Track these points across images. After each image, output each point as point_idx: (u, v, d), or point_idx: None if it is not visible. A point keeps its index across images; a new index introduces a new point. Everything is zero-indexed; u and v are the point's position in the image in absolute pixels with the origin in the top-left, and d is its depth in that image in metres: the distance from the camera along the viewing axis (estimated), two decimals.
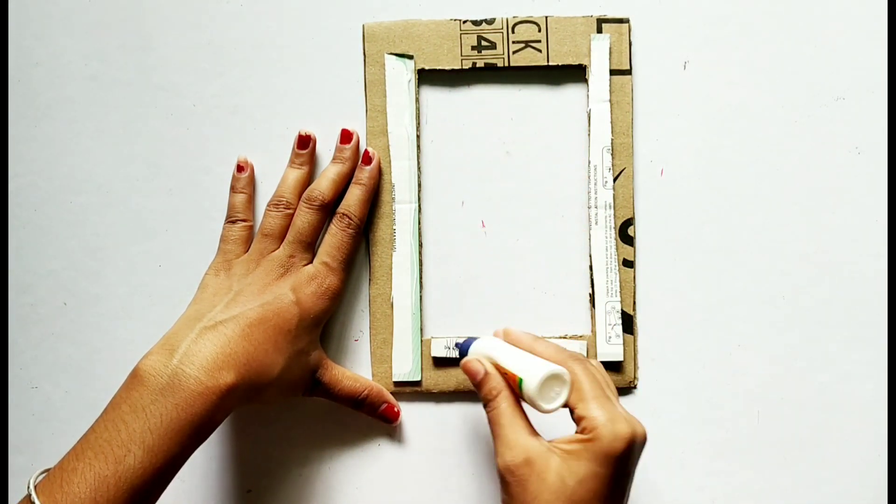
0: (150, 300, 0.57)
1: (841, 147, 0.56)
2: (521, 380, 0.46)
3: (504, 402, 0.47)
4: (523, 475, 0.44)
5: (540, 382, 0.45)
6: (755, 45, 0.56)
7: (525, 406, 0.48)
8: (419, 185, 0.56)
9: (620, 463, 0.44)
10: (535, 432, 0.46)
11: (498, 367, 0.48)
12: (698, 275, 0.56)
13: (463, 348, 0.52)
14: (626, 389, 0.56)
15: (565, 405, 0.46)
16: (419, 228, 0.56)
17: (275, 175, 0.56)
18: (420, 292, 0.56)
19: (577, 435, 0.45)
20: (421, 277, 0.56)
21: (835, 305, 0.56)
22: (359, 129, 0.56)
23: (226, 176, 0.56)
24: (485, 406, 0.48)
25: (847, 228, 0.56)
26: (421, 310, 0.56)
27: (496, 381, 0.48)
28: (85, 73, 0.57)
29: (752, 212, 0.56)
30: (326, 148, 0.56)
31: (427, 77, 0.56)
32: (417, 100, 0.56)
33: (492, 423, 0.47)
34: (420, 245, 0.56)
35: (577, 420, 0.45)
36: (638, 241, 0.56)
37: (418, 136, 0.56)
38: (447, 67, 0.55)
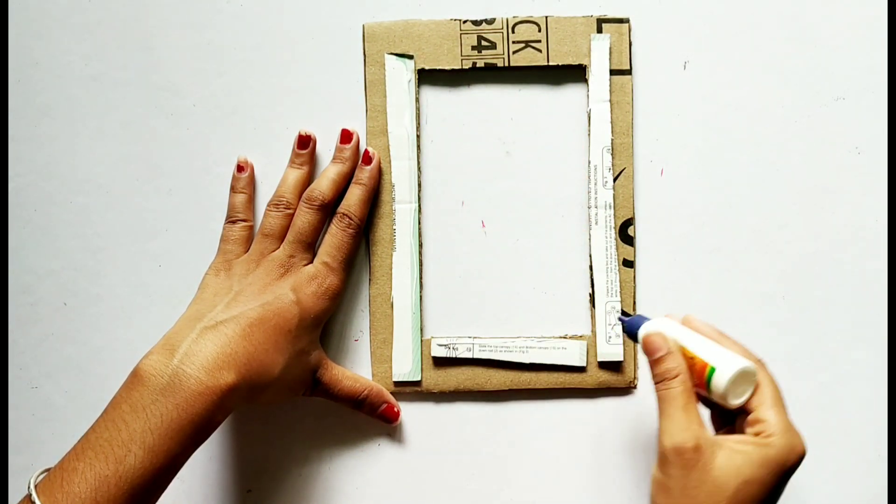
0: (150, 300, 0.57)
1: (841, 147, 0.56)
2: (712, 369, 0.46)
3: (681, 386, 0.46)
4: (690, 459, 0.44)
5: (734, 375, 0.45)
6: (755, 45, 0.56)
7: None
8: (419, 185, 0.56)
9: (786, 475, 0.44)
10: (703, 423, 0.46)
11: (684, 353, 0.47)
12: (698, 275, 0.56)
13: (632, 324, 0.50)
14: (626, 389, 0.56)
15: (746, 407, 0.46)
16: (419, 228, 0.56)
17: (275, 175, 0.56)
18: (420, 292, 0.56)
19: (751, 437, 0.45)
20: (421, 277, 0.56)
21: (835, 305, 0.56)
22: (359, 129, 0.56)
23: (226, 176, 0.56)
24: (657, 383, 0.47)
25: (847, 228, 0.56)
26: (421, 310, 0.56)
27: (678, 362, 0.47)
28: (85, 73, 0.57)
29: (752, 212, 0.56)
30: (326, 148, 0.56)
31: (427, 77, 0.56)
32: (417, 100, 0.56)
33: (665, 401, 0.46)
34: (420, 245, 0.56)
35: (750, 422, 0.45)
36: (638, 241, 0.56)
37: (418, 136, 0.56)
38: (447, 67, 0.55)
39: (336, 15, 0.56)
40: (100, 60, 0.57)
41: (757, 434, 0.45)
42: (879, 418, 0.56)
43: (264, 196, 0.56)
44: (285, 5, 0.56)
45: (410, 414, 0.56)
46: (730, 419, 0.47)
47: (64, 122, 0.57)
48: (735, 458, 0.44)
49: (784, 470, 0.44)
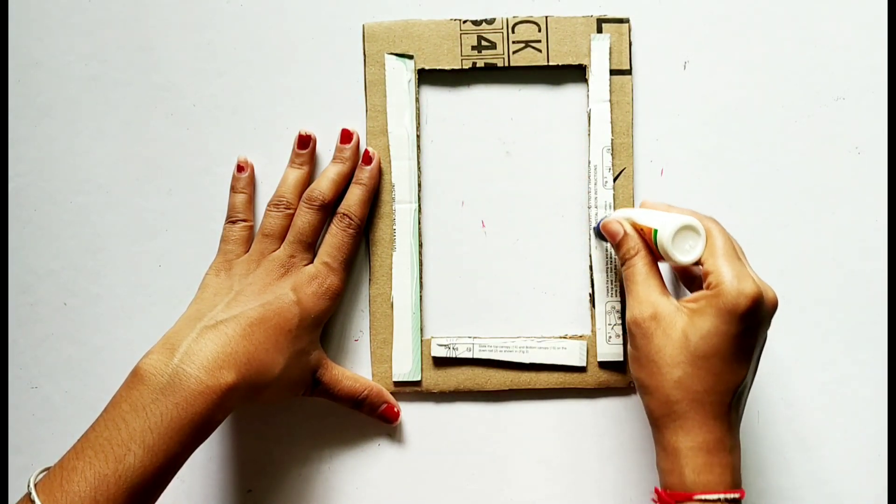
0: (150, 300, 0.57)
1: (841, 147, 0.56)
2: (655, 231, 0.47)
3: (640, 262, 0.48)
4: (649, 328, 0.46)
5: (674, 231, 0.46)
6: (755, 45, 0.56)
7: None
8: (419, 185, 0.56)
9: (744, 321, 0.45)
10: (666, 292, 0.47)
11: (635, 226, 0.50)
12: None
13: (598, 223, 0.53)
14: (626, 389, 0.56)
15: (699, 263, 0.47)
16: (419, 228, 0.56)
17: (275, 175, 0.56)
18: (420, 292, 0.56)
19: (703, 291, 0.46)
20: (421, 277, 0.56)
21: (835, 305, 0.56)
22: (359, 129, 0.56)
23: (226, 176, 0.56)
24: (622, 266, 0.50)
25: (847, 228, 0.56)
26: (421, 310, 0.56)
27: (635, 242, 0.49)
28: (85, 73, 0.57)
29: (751, 212, 0.56)
30: (326, 148, 0.56)
31: (427, 77, 0.56)
32: (417, 100, 0.56)
33: (627, 280, 0.49)
34: (420, 245, 0.56)
35: (704, 276, 0.46)
36: None
37: (418, 136, 0.56)
38: (447, 67, 0.55)
39: (336, 15, 0.56)
40: (100, 60, 0.57)
41: (708, 286, 0.46)
42: (879, 418, 0.56)
43: (264, 196, 0.56)
44: (285, 5, 0.56)
45: (410, 414, 0.56)
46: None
47: (64, 122, 0.57)
48: (692, 316, 0.45)
49: (739, 316, 0.44)
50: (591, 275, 0.56)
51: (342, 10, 0.56)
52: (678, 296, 0.49)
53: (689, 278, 0.54)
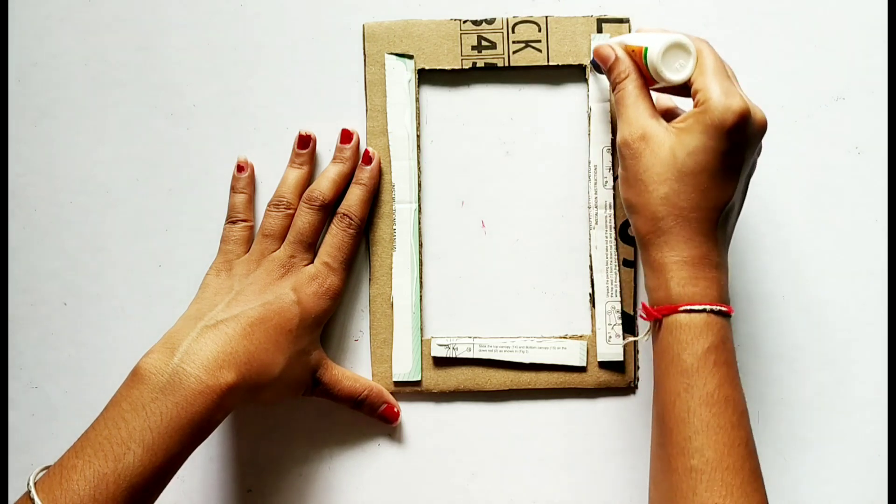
0: (150, 300, 0.57)
1: (841, 147, 0.56)
2: (645, 49, 0.47)
3: (631, 84, 0.48)
4: (638, 149, 0.46)
5: (664, 48, 0.46)
6: (755, 45, 0.56)
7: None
8: (419, 185, 0.56)
9: (731, 137, 0.45)
10: (656, 115, 0.47)
11: (627, 49, 0.49)
12: None
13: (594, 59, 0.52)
14: (626, 389, 0.56)
15: (689, 83, 0.47)
16: (419, 228, 0.56)
17: (275, 175, 0.56)
18: (420, 292, 0.56)
19: (691, 110, 0.46)
20: (421, 277, 0.56)
21: (835, 305, 0.56)
22: (359, 129, 0.56)
23: (226, 176, 0.56)
24: (612, 90, 0.49)
25: (847, 228, 0.56)
26: (421, 310, 0.56)
27: (626, 66, 0.49)
28: (85, 73, 0.57)
29: (751, 212, 0.56)
30: (326, 148, 0.56)
31: (427, 77, 0.56)
32: (417, 99, 0.56)
33: (617, 104, 0.49)
34: (420, 245, 0.56)
35: (693, 95, 0.46)
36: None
37: (418, 136, 0.56)
38: (447, 67, 0.55)
39: (336, 15, 0.56)
40: (100, 60, 0.57)
41: (697, 104, 0.46)
42: (879, 418, 0.56)
43: (264, 196, 0.56)
44: (285, 5, 0.56)
45: (410, 414, 0.56)
46: None
47: (64, 122, 0.57)
48: (680, 134, 0.45)
49: (726, 131, 0.44)
50: (591, 275, 0.56)
51: (342, 10, 0.56)
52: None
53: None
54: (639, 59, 0.48)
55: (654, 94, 0.49)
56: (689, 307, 0.45)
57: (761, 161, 0.56)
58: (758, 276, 0.56)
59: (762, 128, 0.46)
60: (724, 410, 0.44)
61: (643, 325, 0.55)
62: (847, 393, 0.56)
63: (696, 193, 0.45)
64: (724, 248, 0.47)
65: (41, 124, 0.57)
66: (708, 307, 0.45)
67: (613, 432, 0.56)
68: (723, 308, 0.45)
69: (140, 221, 0.57)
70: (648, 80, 0.48)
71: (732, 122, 0.44)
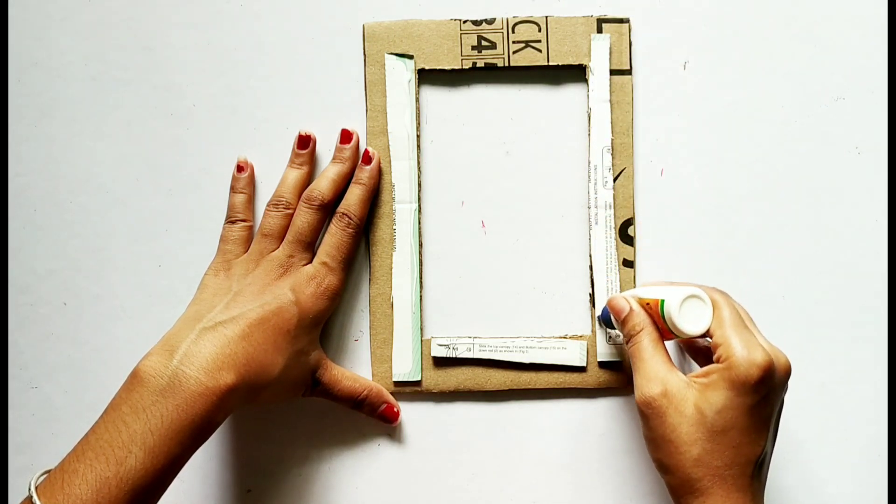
0: (150, 300, 0.57)
1: (841, 147, 0.56)
2: (662, 302, 0.47)
3: (646, 338, 0.48)
4: (661, 406, 0.45)
5: (682, 300, 0.46)
6: (755, 45, 0.56)
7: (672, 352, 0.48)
8: (419, 185, 0.56)
9: (758, 391, 0.44)
10: (674, 368, 0.47)
11: (641, 302, 0.49)
12: (698, 275, 0.56)
13: (603, 311, 0.53)
14: (626, 390, 0.56)
15: (707, 334, 0.46)
16: (419, 228, 0.56)
17: (275, 175, 0.56)
18: (420, 292, 0.56)
19: (714, 365, 0.45)
20: (421, 277, 0.56)
21: (835, 305, 0.56)
22: (359, 129, 0.56)
23: (226, 176, 0.56)
24: (627, 343, 0.49)
25: (847, 228, 0.56)
26: (421, 310, 0.56)
27: (641, 318, 0.49)
28: (85, 73, 0.57)
29: (751, 212, 0.56)
30: (326, 148, 0.56)
31: (427, 77, 0.56)
32: (417, 99, 0.56)
33: (633, 357, 0.48)
34: (420, 245, 0.56)
35: (714, 349, 0.46)
36: (638, 241, 0.56)
37: (418, 136, 0.56)
38: (447, 67, 0.55)
39: (336, 15, 0.56)
40: (100, 60, 0.57)
41: (718, 359, 0.45)
42: (879, 418, 0.56)
43: (264, 196, 0.56)
44: (285, 5, 0.56)
45: (410, 414, 0.56)
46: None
47: (64, 122, 0.57)
48: (705, 391, 0.45)
49: (752, 386, 0.44)
50: (591, 275, 0.56)
51: (342, 10, 0.56)
52: (685, 373, 0.49)
53: (696, 350, 0.53)
54: (654, 311, 0.48)
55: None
56: None
57: (762, 160, 0.56)
58: (758, 276, 0.56)
59: (787, 374, 0.46)
60: None
61: None
62: (847, 393, 0.56)
63: (729, 451, 0.44)
64: (760, 498, 0.47)
65: (41, 124, 0.57)
66: None
67: (613, 432, 0.56)
68: None
69: (140, 221, 0.57)
70: (664, 332, 0.48)
71: (758, 376, 0.44)
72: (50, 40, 0.57)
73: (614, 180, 0.55)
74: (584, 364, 0.55)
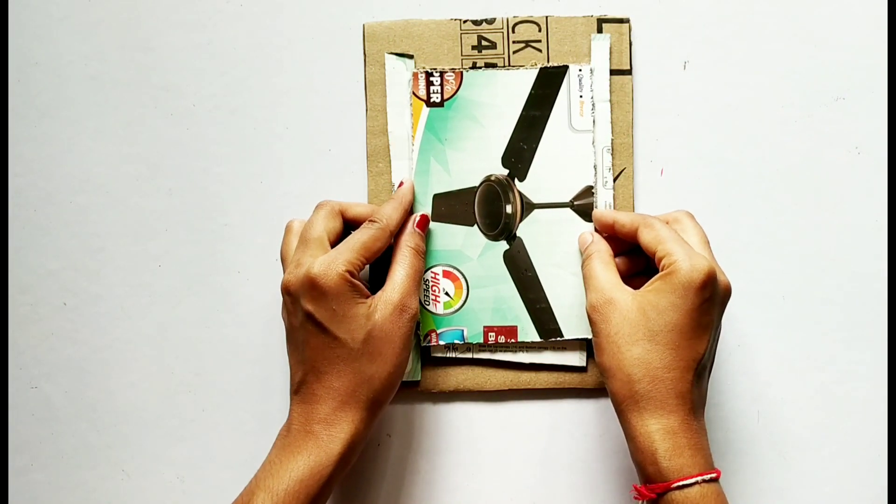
0: (150, 300, 0.57)
1: (841, 147, 0.56)
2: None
3: (597, 260, 0.51)
4: (606, 312, 0.48)
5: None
6: (755, 45, 0.56)
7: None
8: None
9: (699, 295, 0.46)
10: (623, 284, 0.49)
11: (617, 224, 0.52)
12: None
13: None
14: None
15: (653, 253, 0.49)
16: None
17: (275, 175, 0.56)
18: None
19: (660, 274, 0.47)
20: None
21: (835, 305, 0.56)
22: (359, 128, 0.56)
23: (226, 176, 0.56)
24: (582, 267, 0.52)
25: (847, 228, 0.56)
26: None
27: (596, 245, 0.52)
28: (85, 73, 0.57)
29: (751, 212, 0.56)
30: (326, 148, 0.56)
31: None
32: None
33: (585, 278, 0.51)
34: None
35: (658, 261, 0.48)
36: None
37: None
38: (447, 67, 0.55)
39: (336, 15, 0.56)
40: (100, 60, 0.57)
41: (663, 268, 0.47)
42: (879, 418, 0.56)
43: (265, 196, 0.56)
44: (285, 5, 0.56)
45: (410, 414, 0.56)
46: None
47: (64, 122, 0.57)
48: (647, 295, 0.47)
49: (695, 289, 0.46)
50: None
51: (342, 10, 0.56)
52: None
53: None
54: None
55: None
56: (681, 483, 0.45)
57: (762, 160, 0.56)
58: (758, 276, 0.56)
59: (727, 292, 0.48)
60: None
61: None
62: (847, 393, 0.56)
63: (668, 352, 0.46)
64: (700, 410, 0.48)
65: (41, 124, 0.57)
66: (699, 479, 0.45)
67: (613, 432, 0.56)
68: (712, 475, 0.46)
69: (140, 221, 0.57)
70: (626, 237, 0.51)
71: (700, 280, 0.46)
72: (50, 40, 0.57)
73: (614, 180, 0.55)
74: (584, 364, 0.55)
